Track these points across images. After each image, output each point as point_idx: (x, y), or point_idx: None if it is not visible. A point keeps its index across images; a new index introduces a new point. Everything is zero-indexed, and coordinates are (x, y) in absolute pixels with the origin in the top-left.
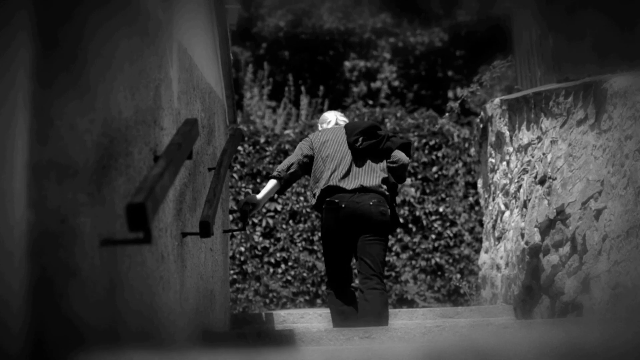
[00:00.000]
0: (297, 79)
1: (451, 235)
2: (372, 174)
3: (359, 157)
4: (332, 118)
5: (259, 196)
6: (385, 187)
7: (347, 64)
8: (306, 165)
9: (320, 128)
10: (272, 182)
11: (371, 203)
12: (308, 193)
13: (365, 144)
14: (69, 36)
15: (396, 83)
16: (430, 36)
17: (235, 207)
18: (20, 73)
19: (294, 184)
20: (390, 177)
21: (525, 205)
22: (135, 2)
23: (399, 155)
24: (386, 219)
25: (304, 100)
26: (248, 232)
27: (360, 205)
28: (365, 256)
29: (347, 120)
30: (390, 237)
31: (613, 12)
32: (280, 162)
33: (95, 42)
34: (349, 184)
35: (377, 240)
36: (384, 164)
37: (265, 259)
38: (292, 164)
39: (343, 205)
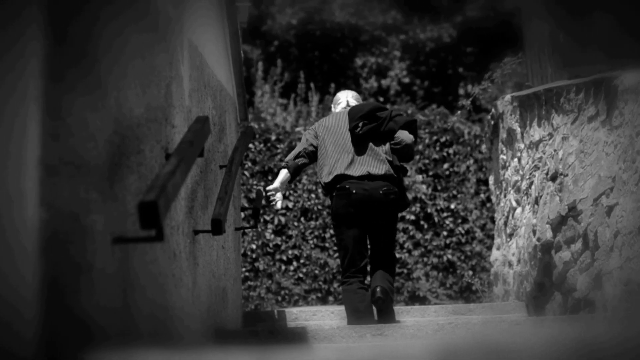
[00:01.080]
0: (308, 76)
1: (463, 232)
2: (377, 160)
3: (361, 143)
4: (343, 99)
5: (275, 184)
6: (392, 171)
7: (358, 60)
8: (313, 154)
9: (332, 108)
10: (282, 172)
11: (381, 192)
12: (319, 190)
13: (365, 128)
14: (79, 31)
15: (407, 80)
16: (439, 32)
17: (246, 205)
18: (31, 66)
19: (305, 182)
20: (395, 160)
21: (536, 202)
22: (146, 1)
23: (402, 135)
24: (396, 203)
25: (315, 98)
26: (260, 229)
27: (370, 192)
28: (375, 249)
29: (359, 101)
30: (401, 233)
31: (620, 13)
32: None
33: (106, 38)
34: (356, 171)
35: (387, 229)
36: (387, 147)
37: (277, 257)
38: (298, 153)
39: (354, 191)
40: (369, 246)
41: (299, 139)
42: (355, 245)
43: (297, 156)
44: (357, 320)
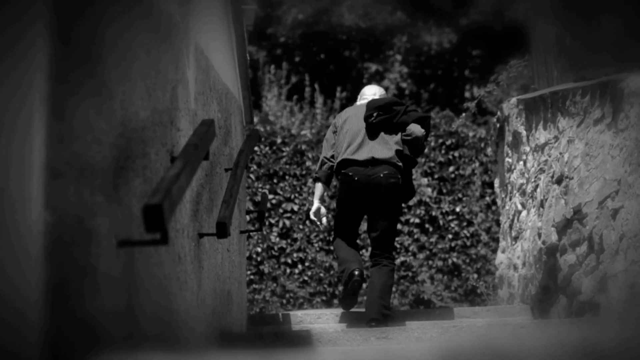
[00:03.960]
0: (313, 78)
1: (468, 235)
2: (384, 147)
3: (373, 131)
4: (369, 94)
5: (315, 203)
6: (398, 159)
7: (360, 66)
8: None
9: (357, 101)
10: (317, 186)
11: (382, 175)
12: (325, 193)
13: (379, 118)
14: (84, 32)
15: (404, 85)
16: (445, 36)
17: (252, 208)
18: (36, 65)
19: (310, 185)
20: (405, 150)
21: (542, 205)
22: (152, 3)
23: (413, 128)
24: (397, 189)
25: (320, 100)
26: (265, 232)
27: (372, 177)
28: (374, 232)
29: (373, 95)
30: (406, 236)
31: (628, 15)
32: (297, 163)
33: (111, 40)
34: (361, 155)
35: (388, 215)
36: (398, 137)
37: (282, 260)
38: (322, 162)
39: (356, 178)
40: (368, 233)
41: (305, 142)
42: (352, 229)
43: (322, 164)
44: (349, 264)
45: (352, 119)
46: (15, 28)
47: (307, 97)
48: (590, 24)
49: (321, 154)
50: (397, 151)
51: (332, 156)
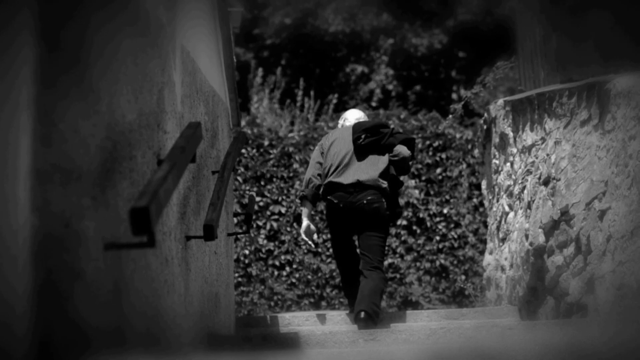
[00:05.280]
0: (300, 81)
1: (455, 236)
2: (371, 168)
3: (361, 153)
4: (350, 117)
5: (305, 221)
6: (382, 181)
7: (347, 68)
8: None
9: (339, 124)
10: (305, 205)
11: (365, 202)
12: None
13: (367, 140)
14: (71, 37)
15: (390, 87)
16: (431, 37)
17: (239, 210)
18: (23, 72)
19: (298, 187)
20: (391, 170)
21: (529, 206)
22: (138, 7)
23: (400, 149)
24: (380, 214)
25: (309, 103)
26: (252, 235)
27: (356, 204)
28: (365, 250)
29: (357, 119)
30: (394, 238)
31: (618, 12)
32: (284, 165)
33: (98, 44)
34: (347, 179)
35: (375, 235)
36: (385, 157)
37: (270, 262)
38: (309, 180)
39: (341, 205)
40: (358, 247)
41: (292, 144)
42: (345, 242)
43: (308, 183)
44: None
45: (339, 141)
46: (2, 36)
47: (298, 100)
48: (579, 21)
49: (307, 172)
50: (383, 172)
51: (319, 174)
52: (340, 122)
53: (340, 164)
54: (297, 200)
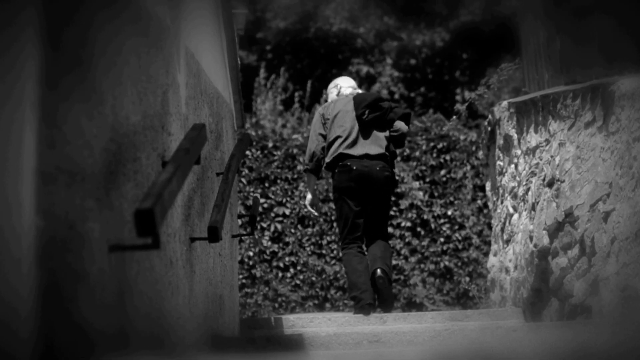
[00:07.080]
0: (304, 82)
1: (460, 238)
2: (376, 143)
3: (365, 128)
4: (344, 86)
5: (308, 196)
6: (387, 153)
7: (351, 68)
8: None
9: (331, 93)
10: (310, 178)
11: (377, 168)
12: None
13: (371, 116)
14: (74, 37)
15: (394, 89)
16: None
17: (243, 212)
18: (27, 71)
19: (302, 189)
20: (390, 145)
21: (533, 208)
22: (142, 7)
23: (399, 125)
24: (390, 181)
25: (312, 104)
26: (257, 236)
27: (369, 168)
28: (373, 222)
29: (356, 88)
30: (398, 240)
31: (621, 14)
32: (288, 167)
33: (101, 45)
34: (357, 152)
35: (382, 205)
36: (386, 133)
37: (274, 264)
38: (313, 154)
39: (354, 168)
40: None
41: (296, 146)
42: (355, 215)
43: (312, 156)
44: (357, 278)
45: (343, 114)
46: (5, 34)
47: (305, 102)
48: (582, 23)
49: (310, 144)
50: (386, 147)
51: (323, 148)
52: (334, 90)
53: (349, 136)
54: (302, 171)
